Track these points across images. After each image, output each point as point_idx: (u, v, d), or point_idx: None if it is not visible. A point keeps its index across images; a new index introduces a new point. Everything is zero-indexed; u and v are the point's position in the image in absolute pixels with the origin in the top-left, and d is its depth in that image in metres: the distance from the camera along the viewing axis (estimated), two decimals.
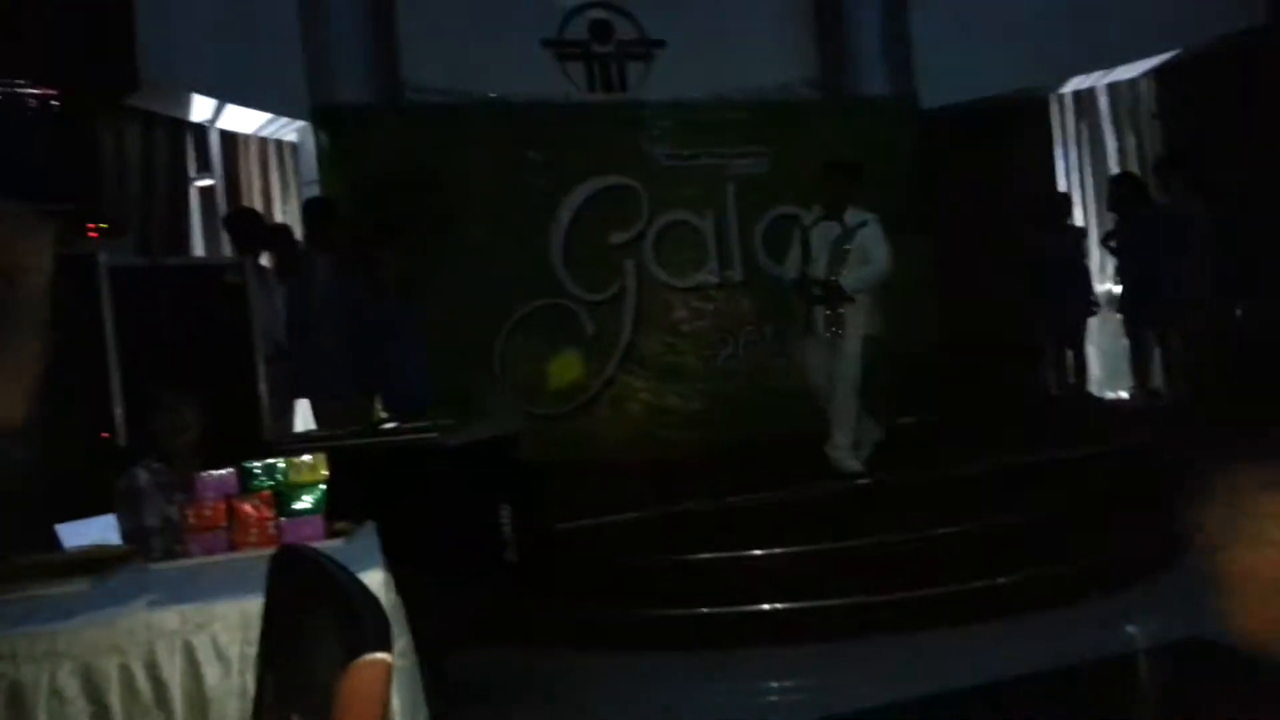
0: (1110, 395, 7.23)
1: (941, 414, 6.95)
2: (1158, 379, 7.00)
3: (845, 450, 5.26)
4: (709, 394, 6.78)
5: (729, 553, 4.54)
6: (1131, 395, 7.07)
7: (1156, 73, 7.56)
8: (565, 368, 6.56)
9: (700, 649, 4.11)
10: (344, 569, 1.46)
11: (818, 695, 3.85)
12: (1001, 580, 4.40)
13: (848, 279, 5.15)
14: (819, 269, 5.20)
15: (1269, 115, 6.76)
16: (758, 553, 4.54)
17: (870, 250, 5.21)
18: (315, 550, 1.67)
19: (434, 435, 3.66)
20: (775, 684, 4.03)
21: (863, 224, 5.23)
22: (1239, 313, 6.78)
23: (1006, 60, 7.64)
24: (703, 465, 6.06)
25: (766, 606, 4.29)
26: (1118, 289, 7.24)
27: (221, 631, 2.14)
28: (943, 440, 6.39)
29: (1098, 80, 7.83)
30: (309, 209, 5.23)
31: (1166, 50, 7.27)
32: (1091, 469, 5.45)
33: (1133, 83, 7.77)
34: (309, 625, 1.44)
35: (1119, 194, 6.92)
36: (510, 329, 6.47)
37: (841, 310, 5.15)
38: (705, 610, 4.31)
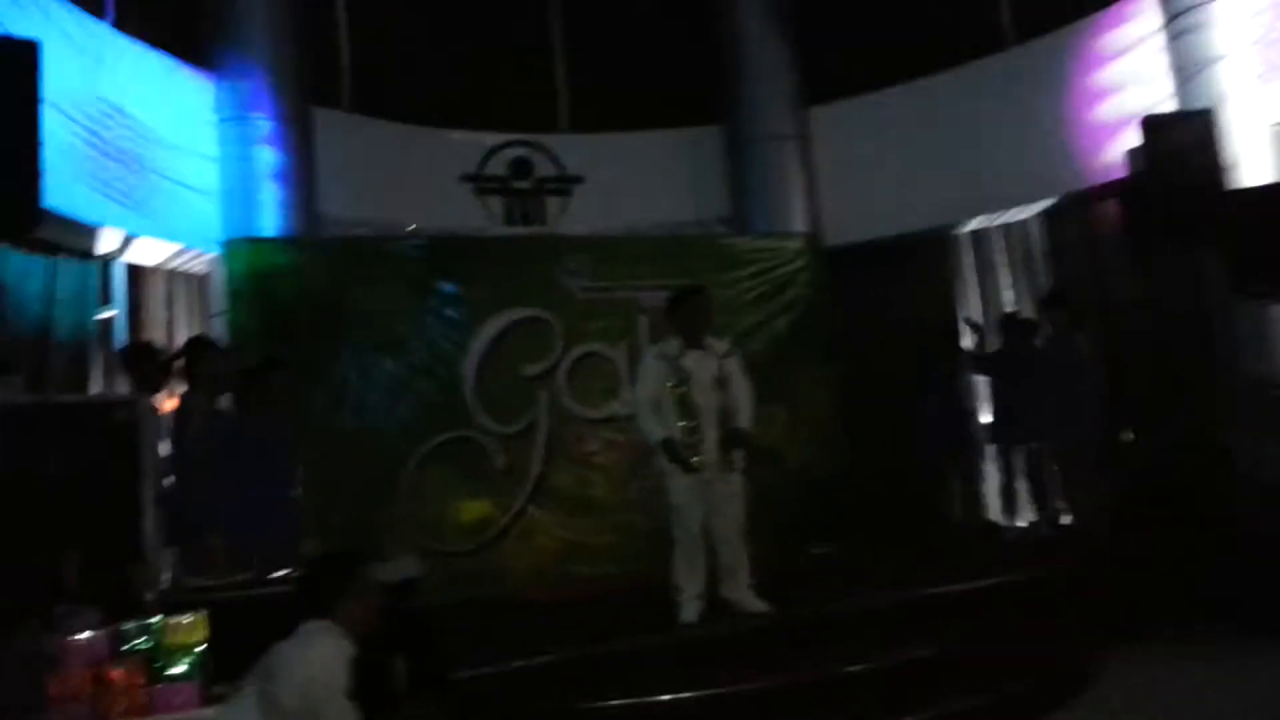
0: (1008, 523, 7.37)
1: (849, 543, 7.01)
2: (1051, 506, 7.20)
3: (751, 589, 5.15)
4: (620, 527, 6.74)
5: (636, 698, 4.43)
6: (1030, 523, 7.24)
7: (1046, 214, 8.02)
8: (473, 503, 6.47)
9: None
10: None
11: None
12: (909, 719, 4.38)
13: (742, 420, 5.06)
14: (703, 402, 5.01)
15: (1145, 253, 7.22)
16: (665, 698, 4.45)
17: (739, 379, 5.14)
18: None
19: None
20: None
21: (728, 352, 5.19)
22: (1129, 439, 7.05)
23: (907, 202, 8.08)
24: (612, 601, 5.96)
25: None
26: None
27: None
28: (850, 570, 6.42)
29: (992, 221, 8.27)
30: (186, 347, 5.12)
31: (1053, 195, 7.75)
32: (994, 599, 5.51)
33: (1024, 224, 8.22)
34: None
35: (1005, 331, 7.26)
36: (418, 462, 6.39)
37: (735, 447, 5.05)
38: None
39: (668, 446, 4.99)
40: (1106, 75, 7.37)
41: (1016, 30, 8.13)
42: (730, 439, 5.03)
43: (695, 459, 5.00)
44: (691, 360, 5.08)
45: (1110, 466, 6.71)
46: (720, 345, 5.23)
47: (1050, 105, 7.64)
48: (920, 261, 8.43)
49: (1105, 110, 7.34)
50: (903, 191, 8.15)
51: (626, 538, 6.68)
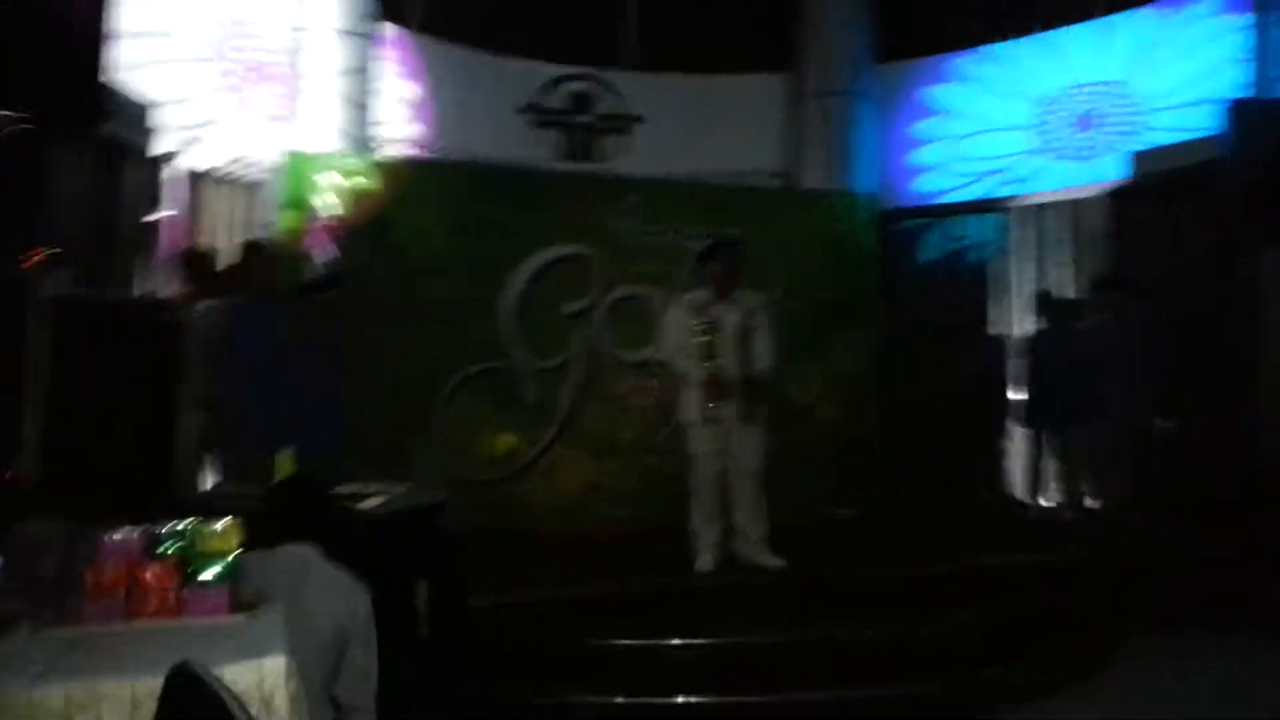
0: (1035, 501, 7.34)
1: (873, 508, 7.01)
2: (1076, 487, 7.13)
3: (763, 543, 5.22)
4: (645, 470, 6.76)
5: (648, 640, 4.51)
6: (1056, 504, 7.19)
7: (1112, 194, 7.81)
8: (503, 435, 6.51)
9: None
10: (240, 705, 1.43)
11: None
12: (919, 688, 4.42)
13: (765, 371, 5.09)
14: (725, 354, 5.05)
15: (1217, 242, 7.00)
16: (676, 642, 4.53)
17: (763, 333, 5.15)
18: (213, 679, 1.64)
19: (353, 503, 3.62)
20: None
21: (756, 307, 5.18)
22: (1169, 427, 6.93)
23: (969, 170, 7.91)
24: (631, 544, 6.02)
25: (681, 700, 4.27)
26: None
27: (107, 714, 2.05)
28: (870, 536, 6.44)
29: (1055, 195, 8.06)
30: (241, 251, 5.11)
31: (1124, 173, 7.54)
32: (1016, 577, 5.51)
33: (1089, 201, 8.00)
34: None
35: (1040, 310, 7.15)
36: (453, 389, 6.44)
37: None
38: (619, 700, 4.26)
39: (711, 378, 5.00)
40: (1194, 54, 7.11)
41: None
42: (748, 386, 5.04)
43: (712, 406, 5.04)
44: (719, 311, 5.10)
45: (1145, 454, 6.61)
46: (750, 298, 5.20)
47: (1130, 82, 7.40)
48: (978, 231, 8.28)
49: (1189, 90, 7.09)
50: (967, 158, 7.99)
51: (651, 482, 6.70)
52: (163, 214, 5.91)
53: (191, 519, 2.77)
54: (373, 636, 2.94)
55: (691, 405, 5.13)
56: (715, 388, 5.03)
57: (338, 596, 2.89)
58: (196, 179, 6.26)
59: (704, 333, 5.06)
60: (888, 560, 5.66)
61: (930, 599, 5.13)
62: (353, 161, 6.59)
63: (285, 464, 3.49)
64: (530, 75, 7.94)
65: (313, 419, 4.84)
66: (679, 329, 5.14)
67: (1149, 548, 5.83)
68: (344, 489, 3.80)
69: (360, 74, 6.87)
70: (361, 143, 6.85)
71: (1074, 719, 4.40)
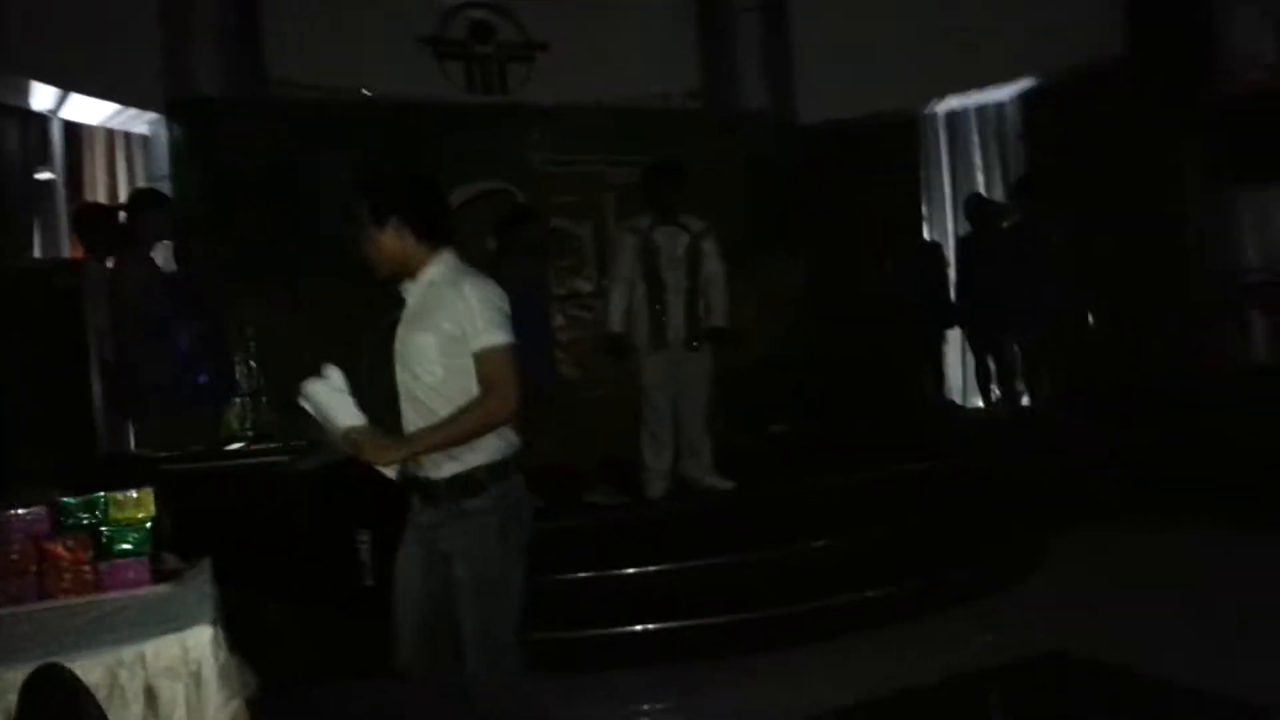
0: (970, 405, 7.45)
1: (810, 423, 7.05)
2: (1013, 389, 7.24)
3: (711, 465, 5.20)
4: (584, 402, 6.67)
5: (597, 572, 4.47)
6: (989, 406, 7.30)
7: (1023, 97, 7.81)
8: None
9: (569, 673, 3.97)
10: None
11: (689, 717, 3.83)
12: (869, 594, 4.46)
13: (716, 314, 5.08)
14: (673, 279, 5.01)
15: (1126, 139, 7.06)
16: (630, 571, 4.49)
17: (713, 260, 5.09)
18: (74, 678, 1.53)
19: (285, 457, 3.46)
20: (646, 706, 3.97)
21: (704, 229, 5.10)
22: (1090, 322, 7.05)
23: (882, 78, 7.81)
24: (572, 478, 5.95)
25: (638, 628, 4.23)
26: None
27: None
28: (809, 450, 6.48)
29: (967, 102, 8.04)
30: (133, 201, 4.78)
31: (1031, 75, 7.52)
32: (952, 481, 5.59)
33: (1000, 105, 8.01)
34: None
35: (969, 214, 7.17)
36: (374, 333, 6.21)
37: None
38: (573, 634, 4.21)
39: (611, 342, 5.00)
40: None
41: None
42: (709, 337, 5.06)
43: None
44: (661, 236, 4.99)
45: (1074, 353, 6.73)
46: (696, 224, 5.10)
47: None
48: (893, 140, 8.23)
49: None
50: (878, 69, 7.87)
51: (590, 413, 6.63)
52: (47, 173, 5.51)
53: (101, 492, 2.59)
54: None
55: (643, 337, 5.03)
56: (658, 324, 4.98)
57: None
58: (78, 134, 5.84)
59: (650, 256, 4.96)
60: (824, 473, 5.67)
61: (872, 507, 5.19)
62: (244, 106, 6.25)
63: (231, 423, 3.31)
64: (428, 7, 7.58)
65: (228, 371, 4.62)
66: (625, 257, 5.05)
67: (1083, 445, 5.95)
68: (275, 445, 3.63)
69: (245, 10, 6.46)
70: (253, 85, 6.46)
71: (1018, 617, 4.48)
